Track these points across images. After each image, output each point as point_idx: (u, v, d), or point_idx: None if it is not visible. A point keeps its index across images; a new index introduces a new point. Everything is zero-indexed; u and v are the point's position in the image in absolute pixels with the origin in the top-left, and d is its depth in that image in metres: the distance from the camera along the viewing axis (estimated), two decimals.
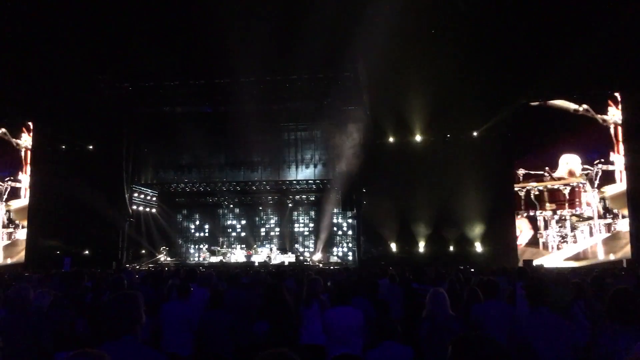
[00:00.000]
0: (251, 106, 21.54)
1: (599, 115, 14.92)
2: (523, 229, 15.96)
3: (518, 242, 16.33)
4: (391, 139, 22.73)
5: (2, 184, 20.74)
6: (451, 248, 21.61)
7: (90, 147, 23.35)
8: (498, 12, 17.62)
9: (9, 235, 20.67)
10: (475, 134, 21.73)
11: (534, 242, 14.92)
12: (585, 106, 14.67)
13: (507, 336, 3.89)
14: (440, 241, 21.66)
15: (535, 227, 15.09)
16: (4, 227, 20.55)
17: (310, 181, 24.93)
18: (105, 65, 19.98)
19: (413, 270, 8.95)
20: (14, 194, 20.92)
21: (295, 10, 16.99)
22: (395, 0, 15.93)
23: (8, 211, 20.99)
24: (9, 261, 20.03)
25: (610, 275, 9.47)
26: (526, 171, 15.01)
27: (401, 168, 21.50)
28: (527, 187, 14.72)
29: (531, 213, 14.83)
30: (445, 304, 4.57)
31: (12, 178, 20.75)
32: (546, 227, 14.60)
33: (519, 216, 15.59)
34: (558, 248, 14.59)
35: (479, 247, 21.21)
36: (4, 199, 20.86)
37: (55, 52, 18.94)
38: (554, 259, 14.95)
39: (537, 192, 14.91)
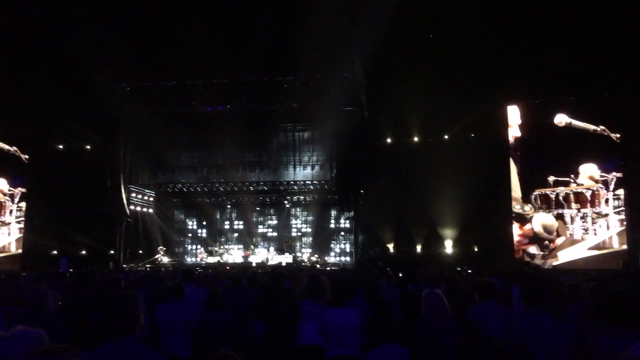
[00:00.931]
0: (249, 106, 21.55)
1: (613, 134, 18.08)
2: (561, 230, 18.85)
3: (558, 242, 18.83)
4: (389, 140, 22.76)
5: (14, 189, 22.86)
6: (448, 249, 21.67)
7: (88, 147, 23.33)
8: (497, 13, 17.67)
9: (20, 230, 22.67)
10: (472, 134, 21.80)
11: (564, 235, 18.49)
12: (602, 127, 18.09)
13: (503, 337, 3.91)
14: (438, 242, 21.72)
15: (563, 223, 18.44)
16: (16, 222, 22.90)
17: (307, 182, 24.94)
18: (103, 66, 19.95)
19: (406, 271, 9.00)
20: (24, 197, 23.16)
21: (293, 11, 17.01)
22: (392, 1, 15.96)
23: (19, 210, 22.88)
24: (20, 251, 22.43)
25: (610, 278, 9.52)
26: (555, 178, 18.44)
27: (399, 169, 21.54)
28: (557, 191, 18.27)
29: (560, 211, 18.31)
30: (441, 305, 4.58)
31: (21, 185, 23.10)
32: (572, 222, 18.12)
33: (551, 214, 18.75)
34: (582, 239, 18.02)
35: (476, 248, 21.28)
36: (16, 201, 22.82)
37: (53, 52, 18.92)
38: (579, 248, 18.24)
39: (564, 195, 18.23)
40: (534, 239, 18.82)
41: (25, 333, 2.78)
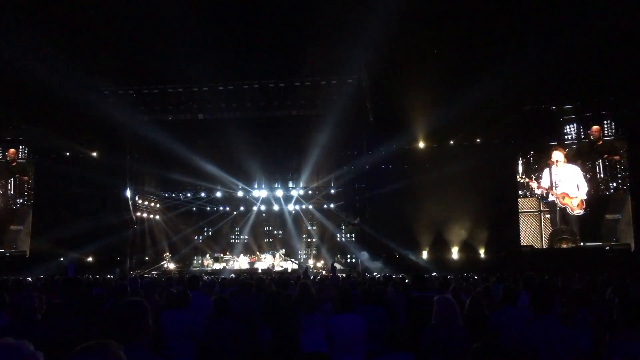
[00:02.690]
0: (254, 113, 21.60)
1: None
2: None
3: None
4: (394, 146, 22.71)
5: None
6: (455, 254, 21.55)
7: (94, 153, 23.43)
8: (500, 18, 17.66)
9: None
10: (478, 140, 21.72)
11: None
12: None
13: (511, 344, 3.87)
14: (444, 247, 21.61)
15: None
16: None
17: (314, 187, 24.90)
18: (109, 72, 20.06)
19: (412, 278, 8.94)
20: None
21: (299, 18, 17.07)
22: (398, 7, 15.98)
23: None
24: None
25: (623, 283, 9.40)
26: None
27: (405, 174, 21.50)
28: None
29: None
30: (452, 311, 4.54)
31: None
32: None
33: None
34: None
35: (482, 254, 21.16)
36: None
37: (59, 59, 19.05)
38: None
39: None
40: None
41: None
